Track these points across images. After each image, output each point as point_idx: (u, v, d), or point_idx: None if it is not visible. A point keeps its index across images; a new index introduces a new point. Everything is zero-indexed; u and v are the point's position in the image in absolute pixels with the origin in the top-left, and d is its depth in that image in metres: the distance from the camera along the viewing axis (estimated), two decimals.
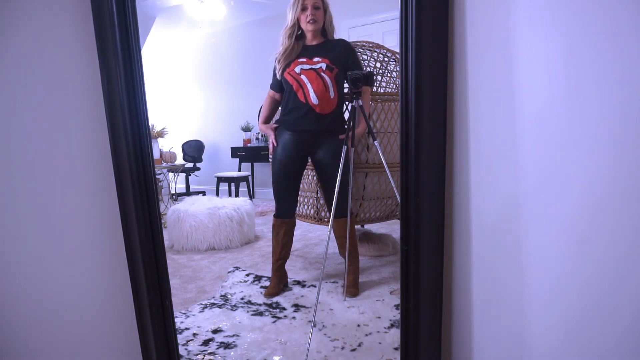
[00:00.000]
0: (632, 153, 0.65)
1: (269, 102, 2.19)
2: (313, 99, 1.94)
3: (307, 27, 1.96)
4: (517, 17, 0.86)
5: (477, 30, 0.97)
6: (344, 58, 2.00)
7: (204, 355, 1.54)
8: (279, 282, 2.17)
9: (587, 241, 0.74)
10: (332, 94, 1.97)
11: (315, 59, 1.97)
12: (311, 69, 1.95)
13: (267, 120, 2.22)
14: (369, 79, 1.90)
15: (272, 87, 2.17)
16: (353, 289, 2.09)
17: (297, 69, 1.96)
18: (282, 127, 2.07)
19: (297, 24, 1.99)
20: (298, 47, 2.01)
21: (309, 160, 2.14)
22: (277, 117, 2.25)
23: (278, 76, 2.04)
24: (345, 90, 2.56)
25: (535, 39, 0.82)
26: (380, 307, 1.91)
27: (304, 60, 1.98)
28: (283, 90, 2.11)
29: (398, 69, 2.76)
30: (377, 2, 4.06)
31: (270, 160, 2.19)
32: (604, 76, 0.68)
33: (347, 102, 2.35)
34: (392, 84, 2.91)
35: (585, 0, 0.71)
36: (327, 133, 2.02)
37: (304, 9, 1.94)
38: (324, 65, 1.95)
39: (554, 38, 0.77)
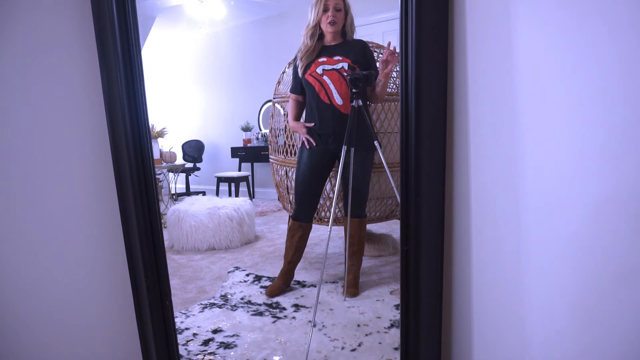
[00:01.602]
0: (633, 151, 0.65)
1: (294, 104, 2.18)
2: (337, 99, 1.95)
3: (327, 28, 1.97)
4: (517, 16, 0.86)
5: (477, 29, 0.97)
6: (362, 58, 2.01)
7: (204, 355, 1.54)
8: (284, 284, 2.16)
9: (587, 242, 0.74)
10: None
11: (336, 58, 1.96)
12: (333, 69, 1.95)
13: (296, 118, 2.19)
14: (368, 79, 1.90)
15: (293, 90, 2.14)
16: (353, 289, 2.08)
17: (319, 70, 1.95)
18: (308, 132, 2.05)
19: (318, 25, 1.99)
20: (318, 47, 2.01)
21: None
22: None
23: (300, 74, 2.02)
24: None
25: (536, 37, 0.82)
26: (380, 307, 1.91)
27: (324, 59, 1.97)
28: (304, 93, 2.09)
29: (398, 69, 2.76)
30: (377, 2, 4.05)
31: (296, 159, 2.13)
32: (605, 74, 0.68)
33: None
34: (392, 84, 2.90)
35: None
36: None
37: (325, 9, 1.94)
38: (345, 65, 1.96)
39: (554, 36, 0.77)
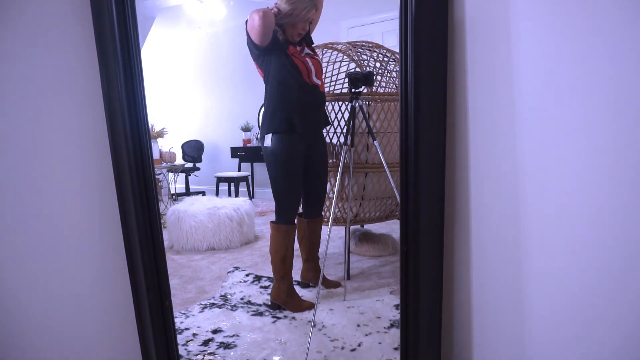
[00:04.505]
0: (633, 151, 0.65)
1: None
2: (316, 80, 1.95)
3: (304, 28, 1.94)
4: (516, 15, 0.86)
5: (477, 28, 0.97)
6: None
7: (204, 356, 1.54)
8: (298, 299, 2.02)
9: (587, 242, 0.74)
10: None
11: (299, 47, 1.95)
12: (309, 53, 1.96)
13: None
14: (368, 79, 1.90)
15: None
16: (328, 282, 2.17)
17: (302, 53, 1.94)
18: (285, 123, 1.87)
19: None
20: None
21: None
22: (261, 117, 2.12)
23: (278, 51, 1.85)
24: (344, 90, 2.54)
25: (535, 35, 0.82)
26: (380, 307, 1.91)
27: (299, 48, 1.95)
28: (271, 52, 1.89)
29: (398, 68, 2.76)
30: (377, 2, 4.05)
31: (268, 158, 1.96)
32: (605, 74, 0.68)
33: (346, 102, 2.35)
34: (392, 84, 2.91)
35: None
36: (323, 122, 2.04)
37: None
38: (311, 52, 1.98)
39: (553, 33, 0.77)
